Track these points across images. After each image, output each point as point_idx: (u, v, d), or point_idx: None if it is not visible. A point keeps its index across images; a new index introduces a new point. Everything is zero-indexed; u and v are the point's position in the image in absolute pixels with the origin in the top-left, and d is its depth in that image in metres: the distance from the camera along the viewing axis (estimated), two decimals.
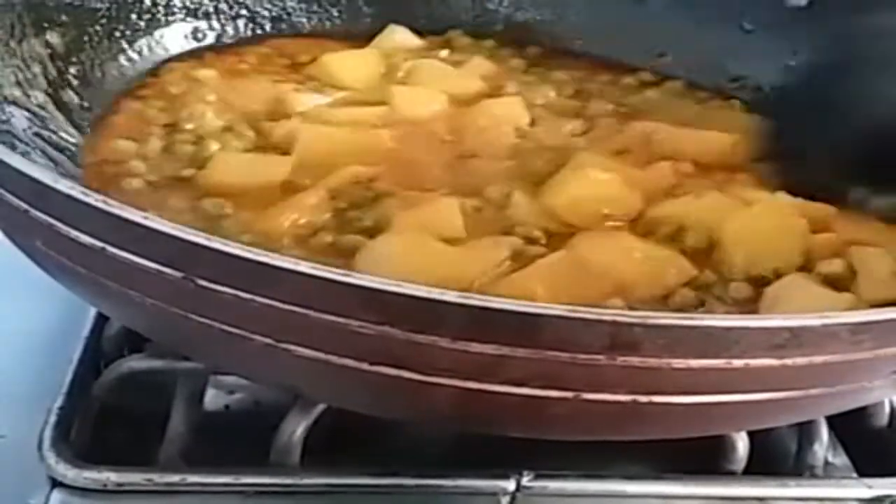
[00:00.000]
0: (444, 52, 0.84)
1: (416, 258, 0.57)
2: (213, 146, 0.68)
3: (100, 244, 0.43)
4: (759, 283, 0.60)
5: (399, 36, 0.85)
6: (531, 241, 0.60)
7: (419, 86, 0.77)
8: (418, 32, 0.87)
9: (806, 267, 0.61)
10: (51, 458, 0.52)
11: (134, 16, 0.80)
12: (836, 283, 0.60)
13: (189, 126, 0.70)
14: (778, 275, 0.60)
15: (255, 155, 0.68)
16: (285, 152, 0.67)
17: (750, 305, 0.58)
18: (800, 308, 0.57)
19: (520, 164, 0.69)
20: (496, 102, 0.76)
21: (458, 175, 0.67)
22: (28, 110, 0.67)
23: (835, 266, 0.61)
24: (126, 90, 0.75)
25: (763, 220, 0.64)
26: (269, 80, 0.78)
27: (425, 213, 0.61)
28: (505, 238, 0.60)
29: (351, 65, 0.80)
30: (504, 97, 0.78)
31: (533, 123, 0.75)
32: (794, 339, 0.41)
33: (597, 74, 0.83)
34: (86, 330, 0.61)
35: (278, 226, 0.60)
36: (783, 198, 0.65)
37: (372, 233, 0.60)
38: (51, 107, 0.69)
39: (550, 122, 0.75)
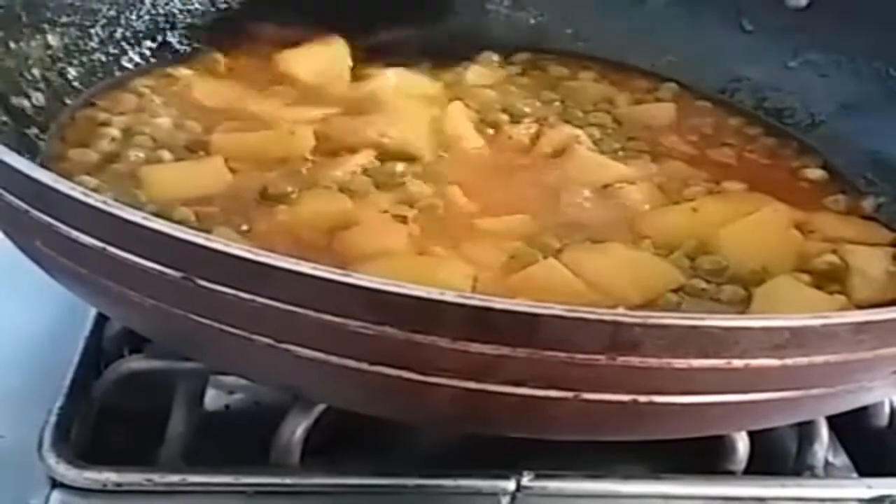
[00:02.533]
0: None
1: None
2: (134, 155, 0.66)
3: (100, 244, 0.43)
4: (750, 285, 0.60)
5: None
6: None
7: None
8: None
9: (798, 268, 0.61)
10: (51, 458, 0.52)
11: (134, 17, 0.80)
12: (826, 285, 0.60)
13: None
14: (766, 277, 0.60)
15: (188, 163, 0.66)
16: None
17: (740, 307, 0.58)
18: (789, 310, 0.57)
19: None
20: None
21: None
22: (28, 111, 0.67)
23: (827, 264, 0.61)
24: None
25: (759, 225, 0.64)
26: (239, 84, 0.77)
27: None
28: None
29: (315, 58, 0.79)
30: None
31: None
32: (794, 339, 0.41)
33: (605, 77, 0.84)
34: (86, 330, 0.61)
35: None
36: (777, 205, 0.66)
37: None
38: (52, 107, 0.70)
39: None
